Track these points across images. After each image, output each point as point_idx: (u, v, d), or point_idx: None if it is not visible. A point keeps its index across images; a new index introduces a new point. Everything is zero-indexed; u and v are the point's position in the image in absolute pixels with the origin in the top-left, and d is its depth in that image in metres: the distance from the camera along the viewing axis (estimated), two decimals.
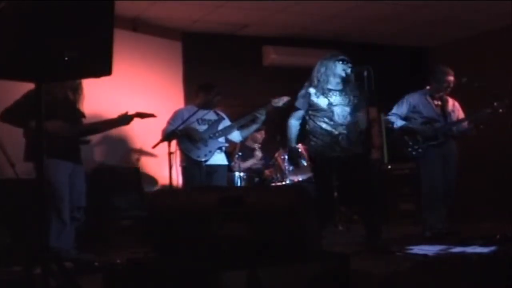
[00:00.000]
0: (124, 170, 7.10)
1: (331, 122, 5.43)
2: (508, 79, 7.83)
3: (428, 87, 6.25)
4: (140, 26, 7.64)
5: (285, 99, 6.25)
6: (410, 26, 8.42)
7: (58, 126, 4.95)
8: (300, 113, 5.58)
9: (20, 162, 4.96)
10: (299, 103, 5.57)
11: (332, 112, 5.43)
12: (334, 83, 5.50)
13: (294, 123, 5.61)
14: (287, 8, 7.40)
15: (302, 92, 5.56)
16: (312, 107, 5.48)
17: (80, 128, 5.23)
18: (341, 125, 5.43)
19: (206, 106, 6.19)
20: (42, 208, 3.10)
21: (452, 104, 6.24)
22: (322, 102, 5.45)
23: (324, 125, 5.44)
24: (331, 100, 5.45)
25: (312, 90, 5.49)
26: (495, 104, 5.90)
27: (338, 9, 7.54)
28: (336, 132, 5.42)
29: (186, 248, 3.15)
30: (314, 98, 5.46)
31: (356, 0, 7.20)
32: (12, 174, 4.98)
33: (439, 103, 6.18)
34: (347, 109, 5.46)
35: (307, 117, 5.57)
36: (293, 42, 8.60)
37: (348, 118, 5.46)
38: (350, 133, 5.44)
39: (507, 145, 7.83)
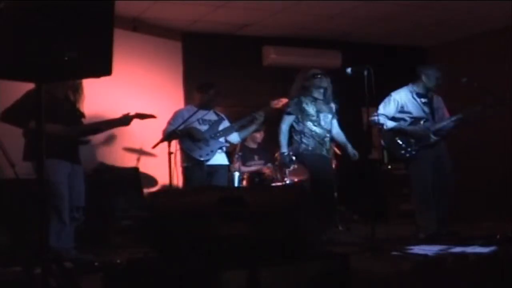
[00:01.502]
0: (124, 170, 7.08)
1: (319, 126, 6.06)
2: (507, 79, 7.83)
3: (412, 84, 6.11)
4: (140, 26, 7.63)
5: (284, 100, 6.29)
6: (410, 26, 8.42)
7: (57, 128, 4.95)
8: (291, 118, 6.12)
9: (20, 162, 4.96)
10: (292, 109, 6.11)
11: (319, 117, 6.06)
12: (315, 93, 6.12)
13: (285, 129, 6.13)
14: (287, 8, 7.40)
15: (295, 100, 6.10)
16: (303, 113, 6.05)
17: (80, 129, 5.23)
18: (326, 129, 6.10)
19: (205, 105, 6.19)
20: (42, 208, 3.10)
21: (436, 100, 6.15)
22: (311, 109, 6.05)
23: (313, 128, 6.05)
24: (317, 108, 6.08)
25: (303, 98, 6.07)
26: (486, 101, 5.81)
27: (338, 9, 7.54)
28: (323, 136, 6.08)
29: (186, 248, 3.15)
30: (305, 105, 6.05)
31: (356, 0, 7.20)
32: (12, 174, 4.97)
33: (426, 100, 6.07)
34: (329, 116, 6.15)
35: (296, 120, 6.11)
36: (293, 42, 8.60)
37: (329, 124, 6.15)
38: (331, 138, 6.22)
39: (506, 145, 7.83)
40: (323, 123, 6.08)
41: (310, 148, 6.02)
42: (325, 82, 6.11)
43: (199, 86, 6.45)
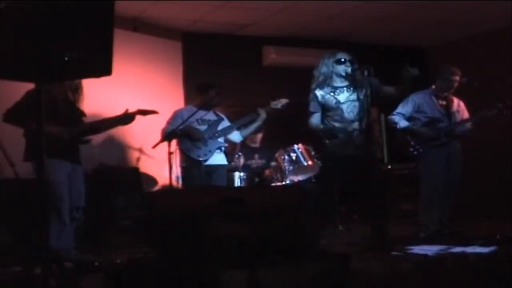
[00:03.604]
0: (124, 170, 7.09)
1: (343, 120, 5.47)
2: (508, 79, 7.83)
3: (433, 86, 6.19)
4: (140, 26, 7.63)
5: (283, 101, 6.29)
6: (410, 26, 8.42)
7: (59, 130, 4.96)
8: (316, 115, 5.56)
9: (20, 162, 4.96)
10: (311, 106, 5.57)
11: (342, 110, 5.47)
12: (338, 81, 5.55)
13: (316, 121, 5.54)
14: (287, 8, 7.40)
15: (311, 95, 5.57)
16: (323, 108, 5.53)
17: (80, 128, 5.22)
18: (352, 121, 5.45)
19: (205, 106, 6.19)
20: (42, 208, 3.10)
21: (457, 104, 6.20)
22: (329, 101, 5.50)
23: (336, 124, 5.47)
24: (338, 98, 5.50)
25: (318, 92, 5.53)
26: (499, 105, 5.89)
27: (338, 9, 7.54)
28: (350, 129, 5.44)
29: (186, 248, 3.15)
30: (321, 100, 5.52)
31: (356, 0, 7.20)
32: (12, 174, 4.97)
33: (444, 102, 6.13)
34: (356, 104, 5.45)
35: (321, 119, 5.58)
36: (293, 42, 8.60)
37: (358, 113, 5.44)
38: (362, 128, 5.38)
39: (507, 145, 7.82)
40: (347, 114, 5.45)
41: (331, 151, 5.49)
42: (350, 69, 5.48)
43: (199, 86, 6.45)
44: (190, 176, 6.13)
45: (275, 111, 6.41)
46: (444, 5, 7.48)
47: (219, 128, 6.26)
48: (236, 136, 6.47)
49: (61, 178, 4.96)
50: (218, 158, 6.22)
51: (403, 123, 6.12)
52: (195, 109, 6.15)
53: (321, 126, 5.52)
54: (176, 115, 6.23)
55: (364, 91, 5.41)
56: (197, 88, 6.45)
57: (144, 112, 5.48)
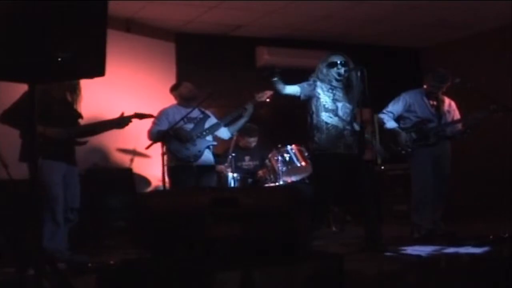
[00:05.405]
0: (117, 171, 7.08)
1: (336, 117, 5.60)
2: (504, 80, 7.84)
3: (424, 86, 6.19)
4: (134, 26, 7.63)
5: (268, 93, 6.24)
6: (406, 27, 8.43)
7: (57, 132, 4.96)
8: (295, 88, 5.63)
9: (15, 163, 4.93)
10: (302, 85, 5.66)
11: (337, 107, 5.62)
12: (334, 82, 5.67)
13: (291, 87, 5.64)
14: (281, 9, 7.40)
15: (310, 81, 5.69)
16: (317, 100, 5.61)
17: (77, 130, 5.21)
18: (345, 121, 5.61)
19: (185, 100, 6.13)
20: (36, 210, 3.09)
21: (448, 104, 6.20)
22: (327, 96, 5.62)
23: (329, 120, 5.58)
24: (335, 96, 5.64)
25: (319, 83, 5.65)
26: (491, 107, 5.90)
27: (333, 9, 7.55)
28: (341, 127, 5.59)
29: (180, 249, 3.14)
30: (319, 90, 5.62)
31: (352, 0, 7.20)
32: (6, 175, 4.96)
33: (435, 103, 6.14)
34: (349, 106, 5.65)
35: (310, 112, 5.67)
36: (287, 43, 8.60)
37: (350, 115, 5.64)
38: (353, 129, 5.60)
39: (504, 146, 7.84)
40: (341, 113, 5.61)
41: (321, 147, 5.57)
42: (344, 72, 5.62)
43: (170, 90, 6.44)
44: (178, 176, 6.03)
45: (261, 103, 6.39)
46: (443, 5, 7.47)
47: (206, 126, 6.17)
48: (224, 133, 6.38)
49: (56, 179, 4.96)
50: (207, 158, 6.15)
51: (390, 124, 6.11)
52: (179, 107, 6.11)
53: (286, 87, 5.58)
54: (161, 114, 6.12)
55: (356, 92, 5.57)
56: (170, 92, 6.42)
57: (140, 116, 5.47)
